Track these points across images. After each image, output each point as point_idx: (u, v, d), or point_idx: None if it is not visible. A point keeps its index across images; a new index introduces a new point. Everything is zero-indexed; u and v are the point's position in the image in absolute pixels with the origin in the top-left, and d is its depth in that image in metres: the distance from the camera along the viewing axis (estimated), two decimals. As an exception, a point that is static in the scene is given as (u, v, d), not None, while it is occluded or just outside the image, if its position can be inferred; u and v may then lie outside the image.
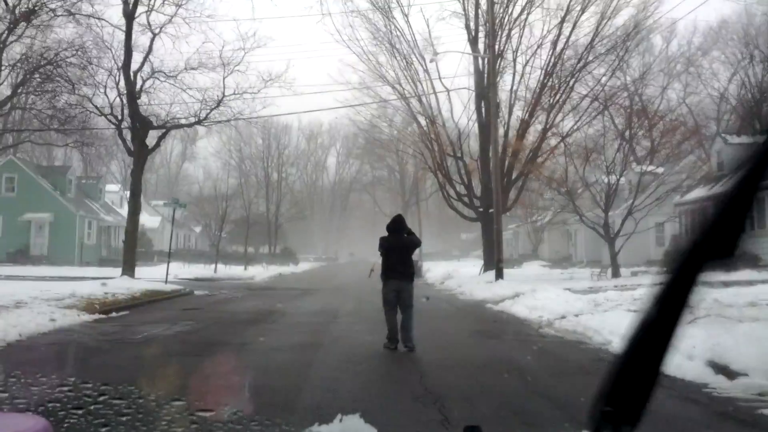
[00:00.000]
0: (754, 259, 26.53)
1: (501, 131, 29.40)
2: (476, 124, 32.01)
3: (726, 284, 17.37)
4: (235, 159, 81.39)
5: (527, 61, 29.97)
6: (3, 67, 26.55)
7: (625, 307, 14.09)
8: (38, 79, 27.02)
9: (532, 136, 30.56)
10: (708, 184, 33.23)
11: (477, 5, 30.93)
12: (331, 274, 45.81)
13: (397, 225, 10.20)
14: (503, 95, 30.27)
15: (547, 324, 13.19)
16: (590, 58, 28.92)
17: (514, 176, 30.42)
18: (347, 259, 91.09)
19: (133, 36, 25.40)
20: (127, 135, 26.36)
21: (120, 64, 25.49)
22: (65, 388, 3.25)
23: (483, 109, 30.84)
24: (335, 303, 19.65)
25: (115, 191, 58.63)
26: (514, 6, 29.72)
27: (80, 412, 2.90)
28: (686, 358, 8.33)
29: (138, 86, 25.62)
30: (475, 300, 20.62)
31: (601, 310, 13.80)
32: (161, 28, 25.62)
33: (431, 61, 30.00)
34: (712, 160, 34.58)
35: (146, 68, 25.82)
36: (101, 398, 3.11)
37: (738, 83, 50.08)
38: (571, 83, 29.26)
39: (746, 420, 5.98)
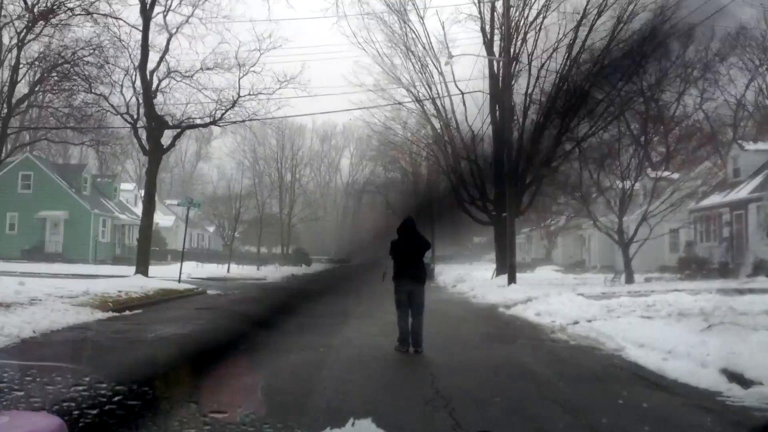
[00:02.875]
0: (770, 267, 26.34)
1: (515, 135, 29.31)
2: (490, 128, 31.95)
3: (741, 292, 17.27)
4: (249, 159, 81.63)
5: (542, 65, 29.84)
6: (21, 66, 26.75)
7: (638, 314, 14.02)
8: (55, 78, 27.22)
9: (546, 140, 30.43)
10: (723, 191, 33.01)
11: (493, 8, 30.90)
12: (343, 276, 45.75)
13: (407, 228, 10.19)
14: (518, 99, 30.19)
15: (559, 329, 13.14)
16: (606, 62, 28.76)
17: (528, 180, 30.32)
18: (360, 261, 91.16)
19: (150, 36, 25.59)
20: (143, 134, 26.52)
21: (136, 64, 25.65)
22: (80, 387, 3.26)
23: (497, 113, 30.77)
24: (347, 305, 19.66)
25: (129, 190, 58.95)
26: (530, 9, 29.67)
27: (95, 411, 2.92)
28: (700, 365, 8.28)
29: (154, 86, 25.77)
30: (488, 304, 20.58)
31: (614, 316, 13.73)
32: (178, 29, 25.80)
33: (446, 64, 29.99)
34: (728, 167, 34.34)
35: (162, 68, 25.99)
36: (115, 398, 3.12)
37: (755, 90, 49.65)
38: (586, 87, 29.12)
39: (761, 429, 5.93)
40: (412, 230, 10.20)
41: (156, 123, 25.82)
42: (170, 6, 25.53)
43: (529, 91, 30.26)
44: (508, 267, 24.70)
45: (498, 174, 30.52)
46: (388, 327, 11.57)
